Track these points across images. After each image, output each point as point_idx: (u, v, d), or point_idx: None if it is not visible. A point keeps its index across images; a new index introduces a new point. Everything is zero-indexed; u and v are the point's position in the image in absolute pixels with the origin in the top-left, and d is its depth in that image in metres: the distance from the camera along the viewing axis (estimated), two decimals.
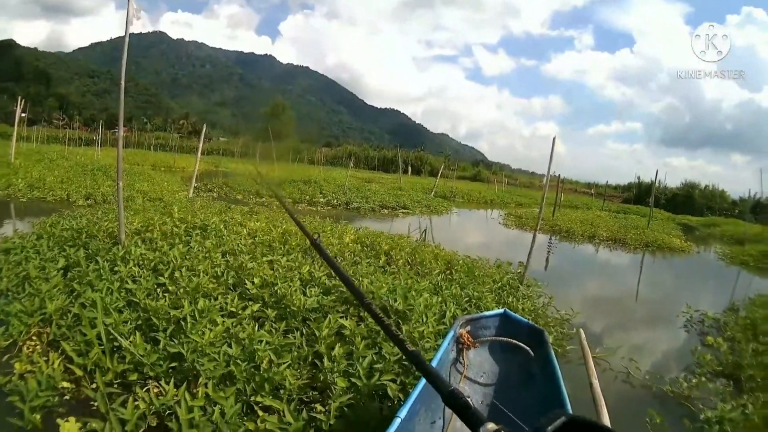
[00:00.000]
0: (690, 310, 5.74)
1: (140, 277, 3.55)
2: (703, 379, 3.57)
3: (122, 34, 4.31)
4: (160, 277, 3.56)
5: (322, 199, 14.16)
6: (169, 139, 50.30)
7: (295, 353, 2.73)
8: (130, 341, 2.63)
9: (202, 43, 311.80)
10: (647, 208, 21.54)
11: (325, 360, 2.62)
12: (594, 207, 26.22)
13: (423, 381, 1.84)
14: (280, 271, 4.02)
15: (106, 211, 6.30)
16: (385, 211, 14.31)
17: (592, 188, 48.14)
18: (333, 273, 3.63)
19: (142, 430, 2.16)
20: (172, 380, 2.36)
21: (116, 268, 3.63)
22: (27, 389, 2.21)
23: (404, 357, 1.77)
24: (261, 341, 2.71)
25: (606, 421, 2.41)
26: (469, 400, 0.91)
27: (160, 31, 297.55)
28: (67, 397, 2.40)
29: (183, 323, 2.84)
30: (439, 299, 3.80)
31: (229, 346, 2.64)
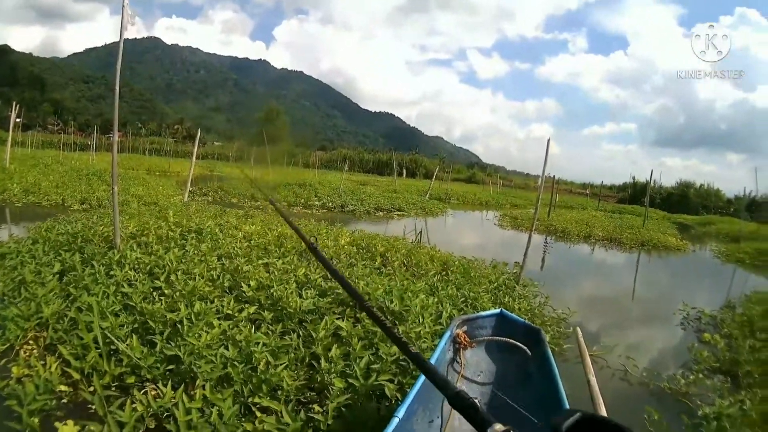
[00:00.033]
0: (686, 308, 5.76)
1: (136, 280, 3.54)
2: (701, 375, 3.58)
3: (117, 39, 4.30)
4: (155, 281, 3.55)
5: (317, 202, 14.15)
6: (163, 144, 50.15)
7: (292, 355, 2.73)
8: (127, 344, 2.62)
9: (196, 48, 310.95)
10: (642, 208, 21.64)
11: (322, 361, 2.62)
12: (589, 207, 26.30)
13: (421, 380, 1.84)
14: (276, 273, 4.02)
15: (102, 215, 6.27)
16: (381, 213, 14.30)
17: (587, 189, 48.03)
18: (329, 275, 3.63)
19: None
20: (170, 383, 2.35)
21: (112, 272, 3.62)
22: (25, 393, 2.20)
23: (405, 358, 1.77)
24: (258, 343, 2.71)
25: None
26: (476, 401, 0.91)
27: (154, 37, 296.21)
28: (64, 401, 2.39)
29: (179, 326, 2.83)
30: (436, 300, 3.81)
31: (226, 348, 2.63)
